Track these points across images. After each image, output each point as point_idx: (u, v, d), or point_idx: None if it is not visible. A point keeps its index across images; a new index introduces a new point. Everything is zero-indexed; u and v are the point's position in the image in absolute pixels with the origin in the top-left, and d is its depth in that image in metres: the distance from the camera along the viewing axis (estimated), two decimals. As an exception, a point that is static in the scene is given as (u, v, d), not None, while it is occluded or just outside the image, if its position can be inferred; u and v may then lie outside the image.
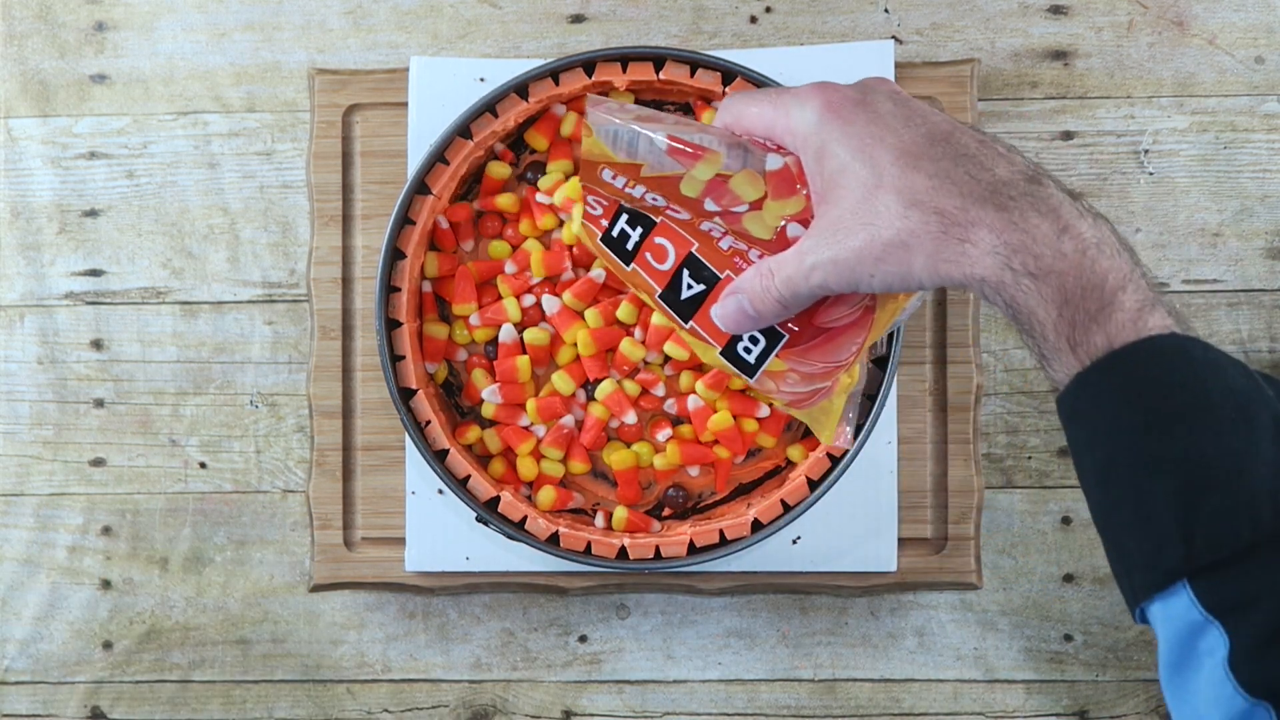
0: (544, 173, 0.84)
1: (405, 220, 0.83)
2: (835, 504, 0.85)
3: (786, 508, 0.81)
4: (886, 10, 0.90)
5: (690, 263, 0.68)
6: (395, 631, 0.90)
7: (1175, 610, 0.54)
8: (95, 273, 0.91)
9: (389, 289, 0.83)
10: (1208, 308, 0.89)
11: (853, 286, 0.61)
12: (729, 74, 0.82)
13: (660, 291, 0.69)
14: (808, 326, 0.66)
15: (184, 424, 0.91)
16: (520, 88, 0.83)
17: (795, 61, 0.86)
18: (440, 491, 0.86)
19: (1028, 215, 0.58)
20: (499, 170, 0.84)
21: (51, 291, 0.91)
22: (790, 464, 0.85)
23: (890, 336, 0.80)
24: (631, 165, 0.66)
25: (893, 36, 0.89)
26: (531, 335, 0.83)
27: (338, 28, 0.91)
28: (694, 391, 0.83)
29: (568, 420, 0.83)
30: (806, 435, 0.85)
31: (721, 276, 0.67)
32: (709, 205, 0.65)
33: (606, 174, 0.67)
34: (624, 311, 0.83)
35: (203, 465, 0.91)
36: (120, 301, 0.91)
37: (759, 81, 0.82)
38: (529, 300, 0.83)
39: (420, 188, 0.83)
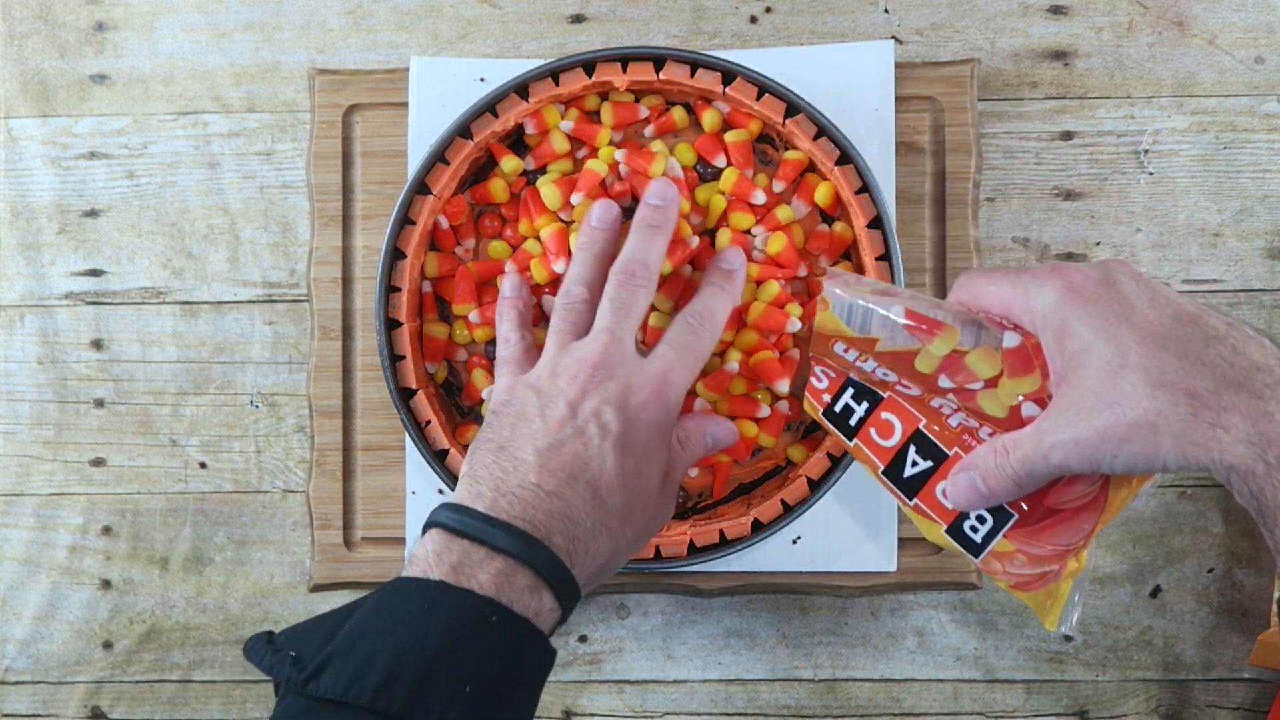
0: (544, 171, 0.84)
1: (405, 220, 0.83)
2: (835, 504, 0.85)
3: (786, 508, 0.81)
4: (886, 10, 0.90)
5: (917, 439, 0.67)
6: (395, 631, 0.90)
7: None
8: (95, 273, 0.91)
9: (389, 289, 0.83)
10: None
11: (1094, 467, 0.60)
12: (729, 74, 0.82)
13: (883, 468, 0.68)
14: (1038, 507, 0.65)
15: (184, 424, 0.91)
16: (520, 88, 0.83)
17: (795, 61, 0.86)
18: (440, 491, 0.86)
19: None
20: (512, 165, 0.84)
21: (51, 291, 0.91)
22: (790, 464, 0.85)
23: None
24: (866, 340, 0.66)
25: (893, 36, 0.89)
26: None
27: (338, 28, 0.91)
28: (695, 394, 0.83)
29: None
30: (806, 435, 0.85)
31: (949, 454, 0.67)
32: (943, 382, 0.65)
33: (839, 347, 0.68)
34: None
35: (203, 465, 0.91)
36: (120, 301, 0.91)
37: (759, 82, 0.82)
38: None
39: (420, 188, 0.83)
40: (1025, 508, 0.66)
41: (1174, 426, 0.57)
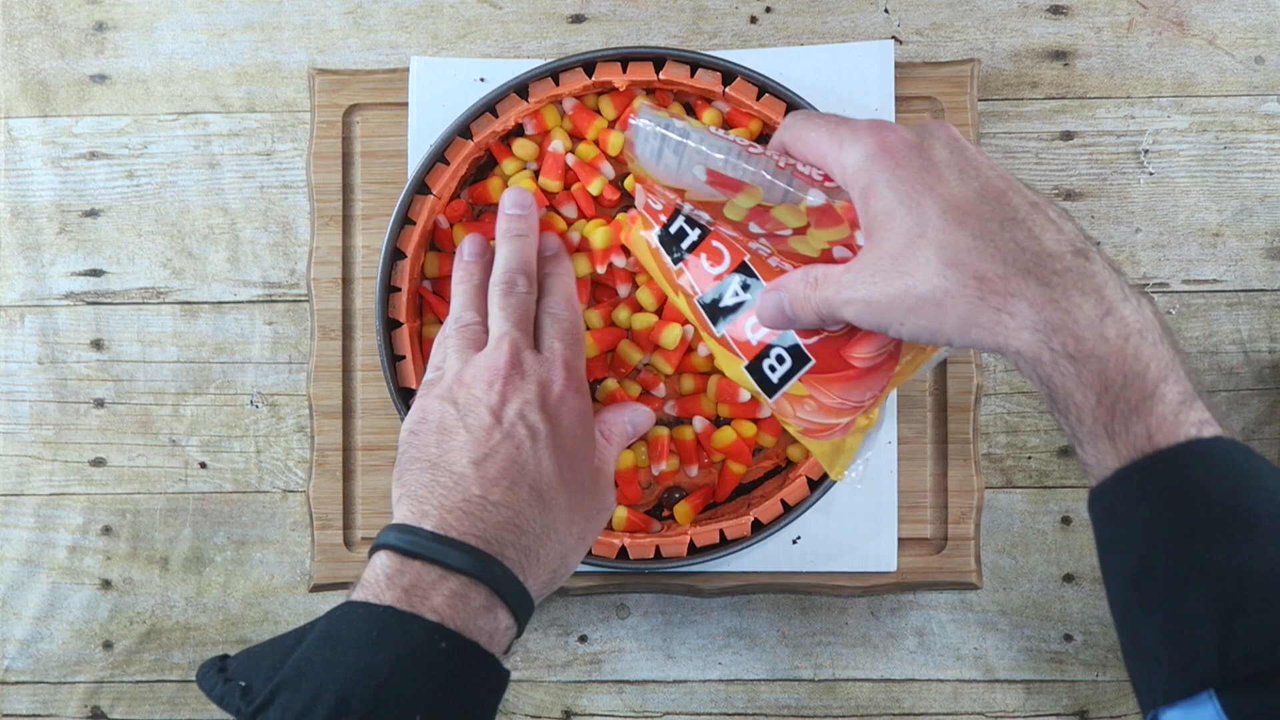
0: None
1: (405, 220, 0.83)
2: (835, 504, 0.85)
3: (786, 508, 0.81)
4: (886, 10, 0.90)
5: (743, 269, 0.67)
6: (395, 631, 0.90)
7: (1199, 718, 0.53)
8: (95, 273, 0.91)
9: (389, 289, 0.83)
10: (1208, 308, 0.89)
11: (882, 329, 0.60)
12: (729, 74, 0.82)
13: (700, 295, 0.68)
14: (835, 357, 0.66)
15: (184, 424, 0.91)
16: (520, 88, 0.83)
17: (795, 61, 0.86)
18: (440, 491, 0.86)
19: (1070, 293, 0.57)
20: (512, 165, 0.84)
21: (51, 291, 0.91)
22: (790, 464, 0.85)
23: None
24: (676, 190, 0.66)
25: (893, 36, 0.89)
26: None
27: (338, 28, 0.91)
28: (696, 397, 0.83)
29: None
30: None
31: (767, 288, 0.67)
32: (753, 228, 0.65)
33: (656, 188, 0.68)
34: (621, 314, 0.83)
35: (203, 465, 0.91)
36: (120, 301, 0.91)
37: (759, 82, 0.82)
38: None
39: (420, 188, 0.83)
40: (822, 356, 0.66)
41: (960, 307, 0.57)
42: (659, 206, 0.69)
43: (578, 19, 0.90)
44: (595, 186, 0.83)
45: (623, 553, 0.81)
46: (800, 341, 0.66)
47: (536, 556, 0.65)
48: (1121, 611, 0.58)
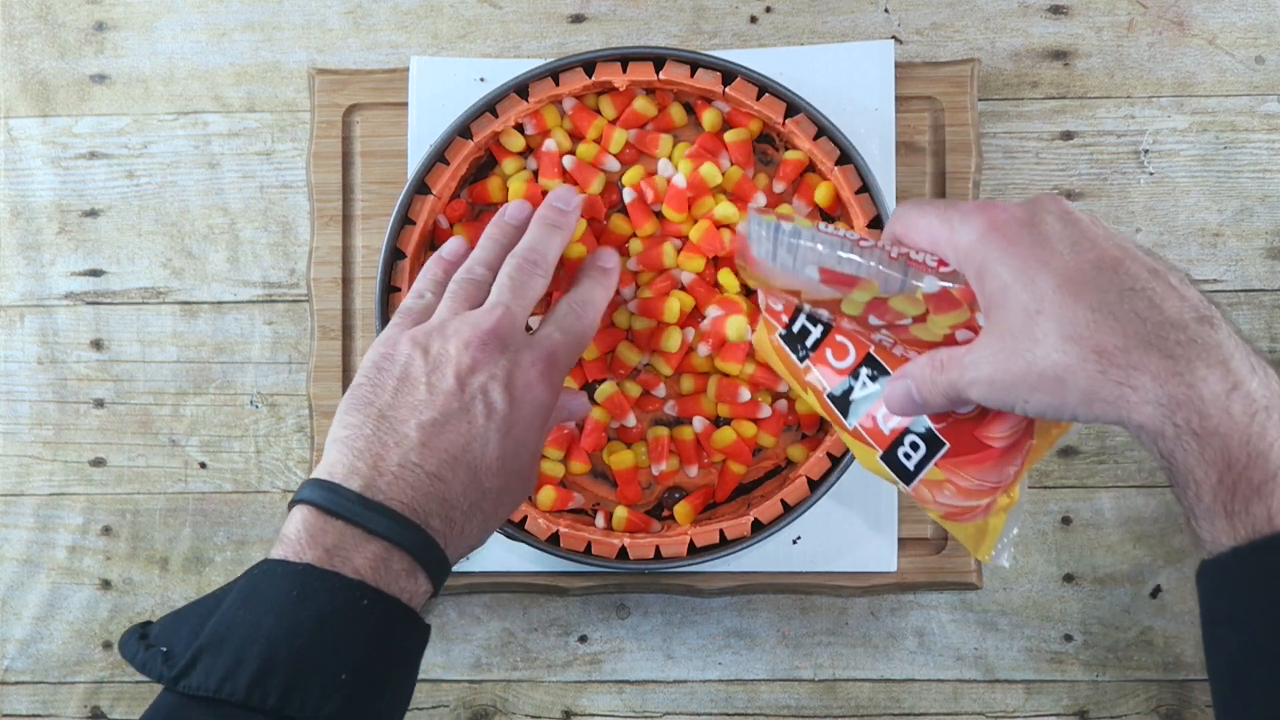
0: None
1: (405, 220, 0.83)
2: (835, 504, 0.85)
3: (786, 508, 0.81)
4: (886, 10, 0.90)
5: (869, 361, 0.67)
6: (395, 631, 0.90)
7: None
8: (95, 273, 0.91)
9: (389, 289, 0.83)
10: (1208, 308, 0.89)
11: (1007, 408, 0.60)
12: (729, 74, 0.82)
13: (830, 389, 0.69)
14: (969, 439, 0.65)
15: (184, 424, 0.91)
16: (520, 88, 0.83)
17: (795, 61, 0.86)
18: (440, 491, 0.86)
19: (1195, 365, 0.55)
20: (513, 165, 0.84)
21: (51, 291, 0.91)
22: (790, 464, 0.85)
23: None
24: (792, 291, 0.66)
25: (893, 36, 0.89)
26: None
27: (338, 28, 0.91)
28: (696, 397, 0.83)
29: (568, 421, 0.83)
30: (806, 436, 0.85)
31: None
32: (873, 320, 0.65)
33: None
34: (620, 317, 0.83)
35: (203, 465, 0.91)
36: (120, 301, 0.91)
37: (759, 82, 0.82)
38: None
39: (420, 188, 0.83)
40: (957, 439, 0.66)
41: (1081, 382, 0.56)
42: (779, 307, 0.69)
43: (578, 19, 0.90)
44: (596, 186, 0.83)
45: (623, 553, 0.81)
46: (933, 426, 0.66)
47: (460, 530, 0.65)
48: (1221, 688, 0.57)
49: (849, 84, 0.86)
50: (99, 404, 0.91)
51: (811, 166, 0.83)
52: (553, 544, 0.81)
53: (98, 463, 0.91)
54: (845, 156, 0.82)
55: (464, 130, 0.82)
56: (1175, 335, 0.56)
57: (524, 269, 0.73)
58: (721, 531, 0.81)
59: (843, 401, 0.68)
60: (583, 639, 0.90)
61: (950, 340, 0.63)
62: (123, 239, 0.91)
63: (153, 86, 0.91)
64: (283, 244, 0.91)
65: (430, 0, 0.91)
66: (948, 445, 0.66)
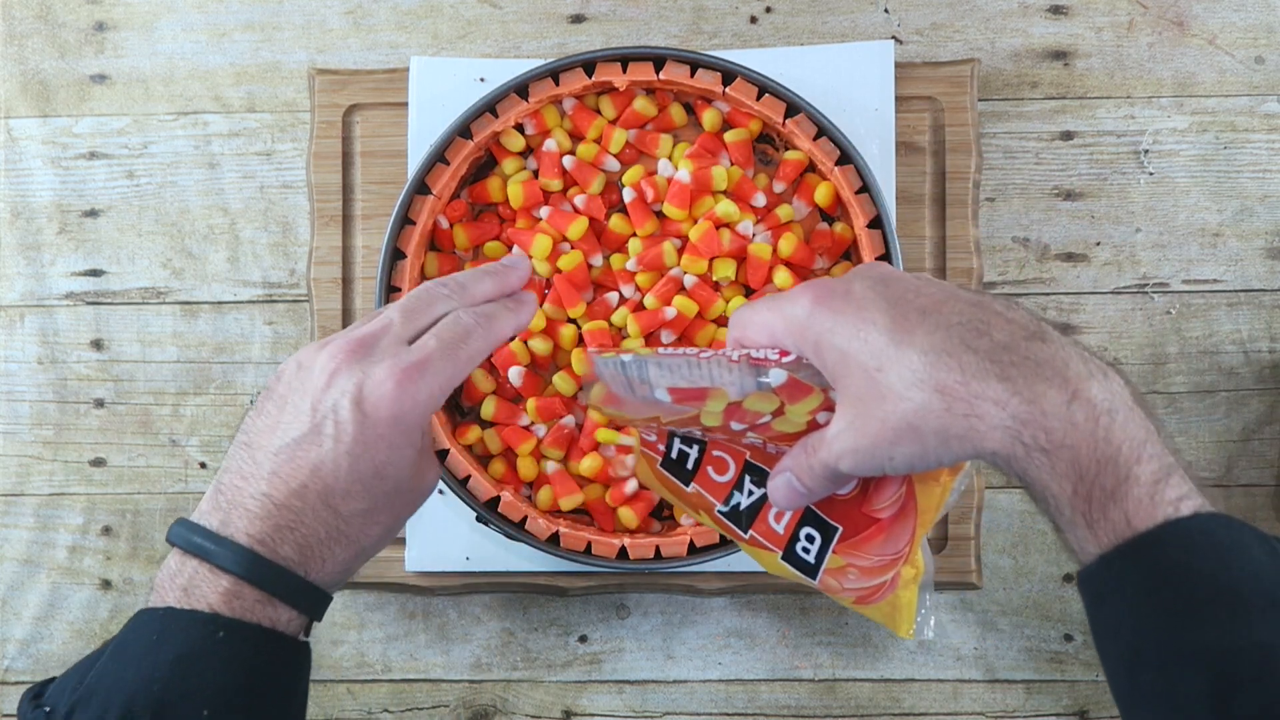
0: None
1: (405, 220, 0.83)
2: (835, 504, 0.85)
3: (786, 508, 0.81)
4: (886, 10, 0.90)
5: (748, 468, 0.68)
6: (395, 631, 0.90)
7: None
8: (95, 273, 0.91)
9: (389, 289, 0.83)
10: (1208, 308, 0.89)
11: (878, 471, 0.60)
12: (729, 74, 0.82)
13: (719, 506, 0.69)
14: (859, 516, 0.66)
15: (184, 424, 0.91)
16: (520, 88, 0.83)
17: (795, 61, 0.86)
18: (440, 491, 0.86)
19: (1033, 383, 0.56)
20: (513, 165, 0.84)
21: (51, 291, 0.91)
22: (790, 464, 0.84)
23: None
24: (651, 419, 0.67)
25: (893, 36, 0.89)
26: (533, 343, 0.83)
27: (338, 28, 0.91)
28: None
29: (568, 420, 0.83)
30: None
31: None
32: (735, 425, 0.65)
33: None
34: (619, 316, 0.83)
35: (203, 465, 0.91)
36: (120, 301, 0.91)
37: (759, 82, 0.82)
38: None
39: (420, 188, 0.83)
40: (847, 522, 0.67)
41: (933, 424, 0.57)
42: (653, 438, 0.70)
43: (578, 19, 0.90)
44: (596, 186, 0.83)
45: (623, 553, 0.81)
46: (822, 514, 0.67)
47: (321, 556, 0.64)
48: (1121, 700, 0.57)
49: (849, 84, 0.86)
50: (99, 404, 0.91)
51: (811, 166, 0.83)
52: (553, 544, 0.81)
53: (98, 463, 0.91)
54: (845, 156, 0.82)
55: (464, 130, 0.82)
56: (1008, 357, 0.57)
57: (430, 292, 0.68)
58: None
59: (734, 514, 0.69)
60: (583, 639, 0.90)
61: (814, 426, 0.64)
62: (123, 239, 0.91)
63: (153, 86, 0.91)
64: (283, 244, 0.91)
65: (430, 0, 0.91)
66: (840, 529, 0.67)
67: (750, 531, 0.69)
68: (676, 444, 0.70)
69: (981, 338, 0.57)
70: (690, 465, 0.70)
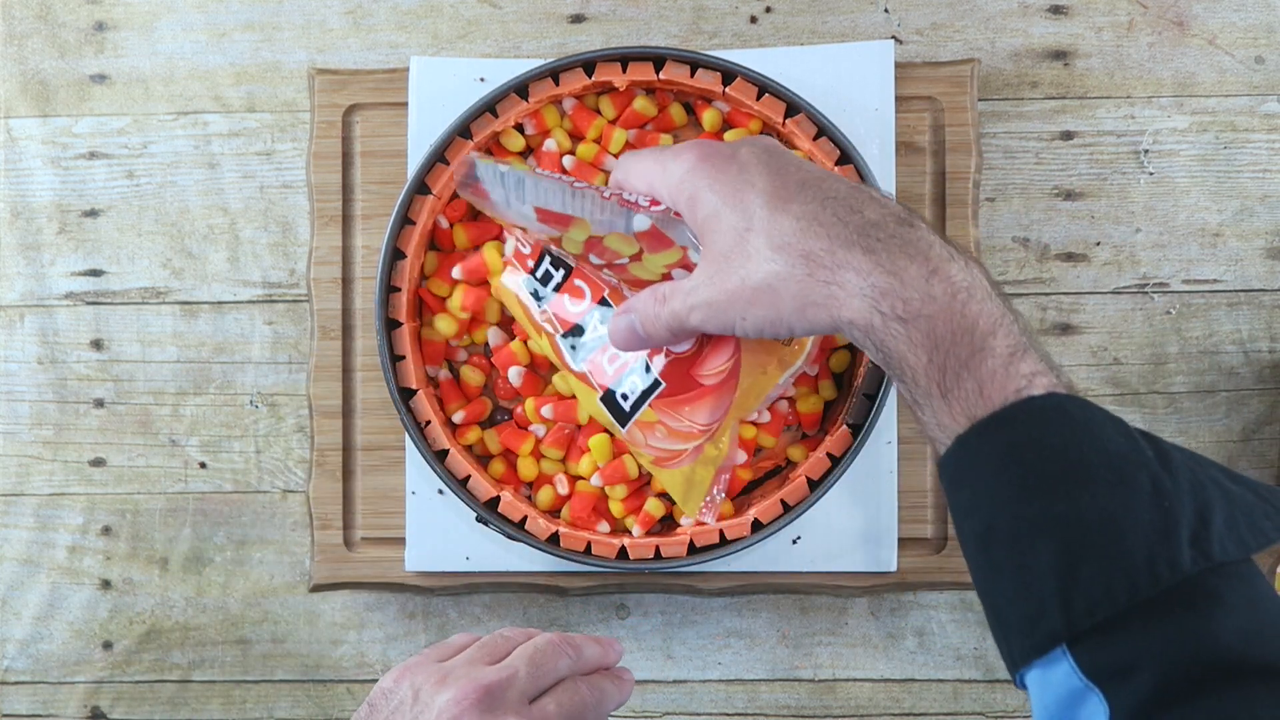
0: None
1: (405, 220, 0.83)
2: (835, 504, 0.85)
3: (786, 508, 0.81)
4: (886, 10, 0.90)
5: (603, 303, 0.69)
6: (395, 631, 0.90)
7: (1055, 677, 0.54)
8: (95, 273, 0.91)
9: (389, 289, 0.83)
10: (1208, 308, 0.89)
11: (727, 329, 0.61)
12: (729, 74, 0.82)
13: (563, 332, 0.70)
14: (684, 378, 0.67)
15: (184, 424, 0.91)
16: (520, 88, 0.83)
17: (795, 61, 0.86)
18: (440, 491, 0.86)
19: (896, 258, 0.58)
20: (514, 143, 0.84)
21: (51, 291, 0.91)
22: (790, 464, 0.85)
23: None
24: (520, 228, 0.68)
25: (893, 36, 0.89)
26: (533, 343, 0.83)
27: (338, 28, 0.91)
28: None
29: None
30: (806, 436, 0.85)
31: None
32: (593, 259, 0.67)
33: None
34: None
35: (203, 465, 0.91)
36: (120, 301, 0.91)
37: (759, 82, 0.82)
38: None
39: (420, 188, 0.83)
40: (672, 378, 0.68)
41: (792, 288, 0.59)
42: (527, 250, 0.70)
43: (578, 19, 0.90)
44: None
45: (623, 553, 0.81)
46: (651, 366, 0.68)
47: None
48: (978, 579, 0.58)
49: (849, 84, 0.86)
50: (99, 404, 0.91)
51: (811, 166, 0.84)
52: (553, 544, 0.81)
53: (98, 463, 0.91)
54: (845, 156, 0.82)
55: (464, 130, 0.82)
56: (876, 234, 0.59)
57: (558, 647, 0.67)
58: (721, 532, 0.81)
59: (573, 345, 0.70)
60: (583, 639, 0.90)
61: (668, 279, 0.65)
62: (123, 239, 0.91)
63: (153, 86, 0.91)
64: (283, 244, 0.91)
65: (430, 0, 0.91)
66: (664, 385, 0.68)
67: (582, 365, 0.70)
68: (546, 261, 0.71)
69: (854, 214, 0.59)
70: (551, 286, 0.71)
